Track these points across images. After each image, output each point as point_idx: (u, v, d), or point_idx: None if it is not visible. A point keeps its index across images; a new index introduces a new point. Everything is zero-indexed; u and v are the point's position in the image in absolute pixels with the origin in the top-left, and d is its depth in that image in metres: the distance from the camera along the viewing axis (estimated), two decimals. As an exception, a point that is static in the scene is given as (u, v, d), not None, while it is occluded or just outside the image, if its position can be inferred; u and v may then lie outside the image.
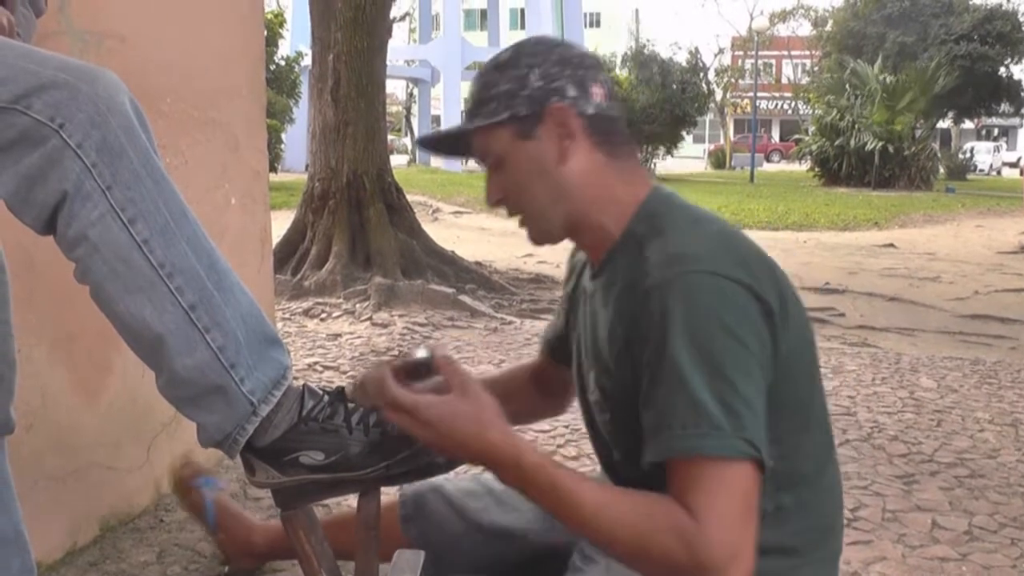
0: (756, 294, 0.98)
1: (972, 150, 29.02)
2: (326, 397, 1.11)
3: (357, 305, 4.91)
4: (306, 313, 4.80)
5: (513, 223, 1.16)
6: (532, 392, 1.43)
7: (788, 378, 1.02)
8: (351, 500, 1.44)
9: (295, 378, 1.11)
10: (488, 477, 1.15)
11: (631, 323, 1.03)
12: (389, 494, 1.36)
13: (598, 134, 1.09)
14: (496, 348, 4.01)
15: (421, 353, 1.05)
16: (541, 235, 1.14)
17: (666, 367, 0.96)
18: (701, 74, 24.89)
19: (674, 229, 1.05)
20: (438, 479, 1.34)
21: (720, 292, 0.97)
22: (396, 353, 3.62)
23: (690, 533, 0.91)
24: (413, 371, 1.05)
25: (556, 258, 6.62)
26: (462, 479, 1.48)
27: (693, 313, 0.96)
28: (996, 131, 46.59)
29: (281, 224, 5.26)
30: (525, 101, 1.07)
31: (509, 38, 38.59)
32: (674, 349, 0.95)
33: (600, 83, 1.10)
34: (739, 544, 0.91)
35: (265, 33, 2.69)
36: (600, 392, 1.13)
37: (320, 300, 5.05)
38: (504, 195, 1.13)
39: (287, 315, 4.72)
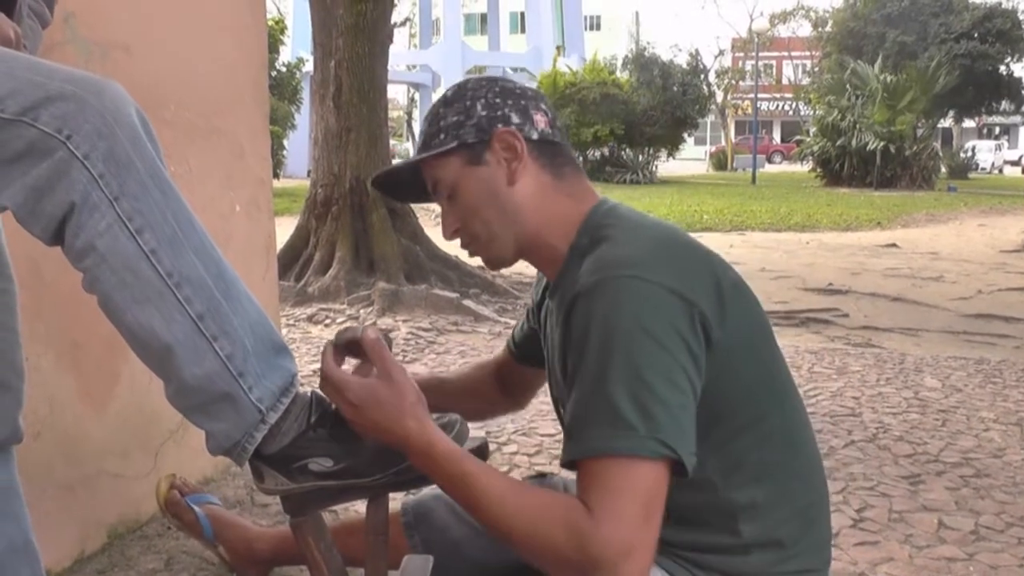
0: (684, 298, 0.99)
1: (973, 149, 29.04)
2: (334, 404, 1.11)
3: (361, 310, 4.92)
4: (310, 319, 4.80)
5: None
6: (495, 387, 1.47)
7: (733, 370, 1.03)
8: (359, 506, 1.44)
9: (301, 384, 1.12)
10: None
11: (565, 332, 1.06)
12: (396, 499, 1.37)
13: (544, 157, 1.13)
14: (500, 352, 4.01)
15: (357, 334, 1.07)
16: (495, 260, 1.17)
17: (585, 368, 0.98)
18: (702, 76, 24.97)
19: (612, 238, 1.06)
20: None
21: (643, 296, 0.98)
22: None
23: (582, 530, 0.92)
24: (358, 350, 1.07)
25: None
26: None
27: (614, 316, 0.97)
28: (997, 129, 46.56)
29: (284, 230, 5.26)
30: (472, 129, 1.11)
31: (509, 42, 38.70)
32: (594, 351, 0.97)
33: (542, 111, 1.14)
34: (633, 542, 0.92)
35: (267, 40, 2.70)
36: (563, 407, 1.15)
37: (324, 306, 5.05)
38: (460, 224, 1.15)
39: (291, 321, 4.73)
